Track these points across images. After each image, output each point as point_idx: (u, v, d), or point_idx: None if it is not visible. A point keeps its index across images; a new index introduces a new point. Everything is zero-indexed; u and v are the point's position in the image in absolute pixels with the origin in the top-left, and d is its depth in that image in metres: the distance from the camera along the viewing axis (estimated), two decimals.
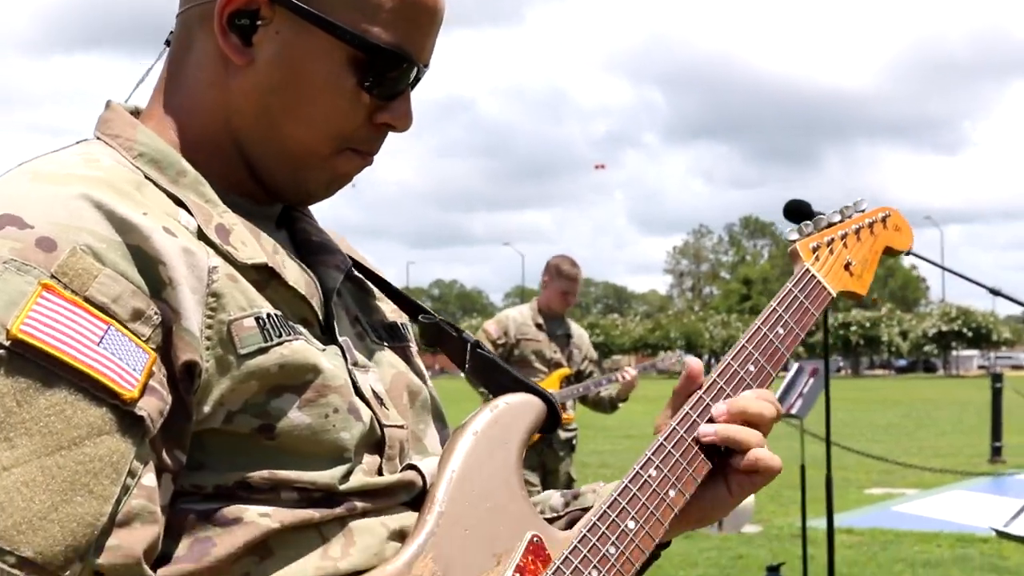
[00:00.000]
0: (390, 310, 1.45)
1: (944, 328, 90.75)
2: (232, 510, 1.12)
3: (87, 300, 1.03)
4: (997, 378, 17.78)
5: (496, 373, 1.42)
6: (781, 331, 1.47)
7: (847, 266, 1.59)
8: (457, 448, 1.26)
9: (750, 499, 10.19)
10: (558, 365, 7.01)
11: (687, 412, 1.38)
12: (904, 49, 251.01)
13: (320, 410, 1.17)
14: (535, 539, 1.26)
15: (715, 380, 1.41)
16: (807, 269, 1.54)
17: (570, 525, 1.43)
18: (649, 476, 1.33)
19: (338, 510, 1.18)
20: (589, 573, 1.26)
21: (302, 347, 1.17)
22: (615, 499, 1.31)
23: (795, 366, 8.00)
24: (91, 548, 0.98)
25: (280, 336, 1.15)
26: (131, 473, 1.02)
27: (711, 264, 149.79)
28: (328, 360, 1.20)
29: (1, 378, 0.98)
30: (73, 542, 0.97)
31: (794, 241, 1.57)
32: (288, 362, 1.15)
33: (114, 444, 1.01)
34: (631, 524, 1.30)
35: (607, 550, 1.27)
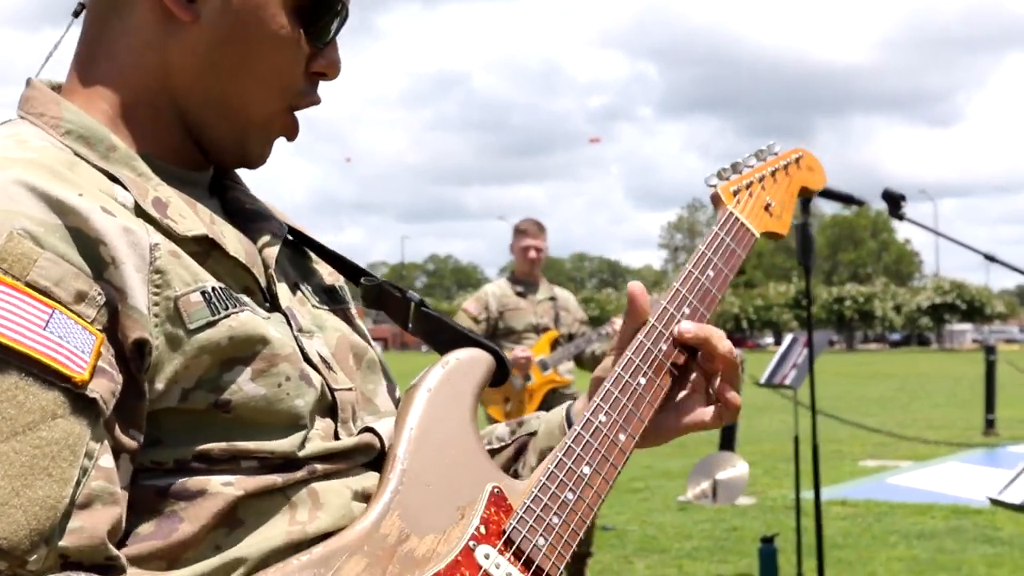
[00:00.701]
0: (327, 273, 1.44)
1: (938, 302, 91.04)
2: (195, 482, 1.11)
3: (29, 285, 1.01)
4: (991, 350, 17.78)
5: (441, 330, 1.43)
6: (711, 273, 1.51)
7: (767, 207, 1.62)
8: (413, 406, 1.28)
9: (744, 471, 10.21)
10: (546, 329, 6.92)
11: (630, 357, 1.40)
12: (899, 23, 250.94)
13: (273, 380, 1.16)
14: (496, 490, 1.27)
15: (653, 324, 1.43)
16: (731, 212, 1.57)
17: (518, 452, 1.51)
18: (600, 422, 1.36)
19: (300, 473, 1.18)
20: (550, 520, 1.28)
21: (249, 318, 1.17)
22: (569, 447, 1.33)
23: (789, 337, 8.00)
24: (55, 531, 0.97)
25: (227, 309, 1.15)
26: (88, 455, 1.01)
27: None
28: (275, 329, 1.20)
29: None
30: (37, 526, 0.96)
31: (714, 185, 1.60)
32: (237, 334, 1.14)
33: (68, 427, 1.00)
34: (586, 470, 1.32)
35: (565, 496, 1.30)
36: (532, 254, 6.96)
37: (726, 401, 1.43)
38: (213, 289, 1.15)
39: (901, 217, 4.00)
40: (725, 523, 9.20)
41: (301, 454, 1.17)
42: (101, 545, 1.00)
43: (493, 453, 1.50)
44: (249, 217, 1.32)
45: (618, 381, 1.39)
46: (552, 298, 7.03)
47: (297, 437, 1.18)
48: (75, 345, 1.01)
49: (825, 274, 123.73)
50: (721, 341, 1.42)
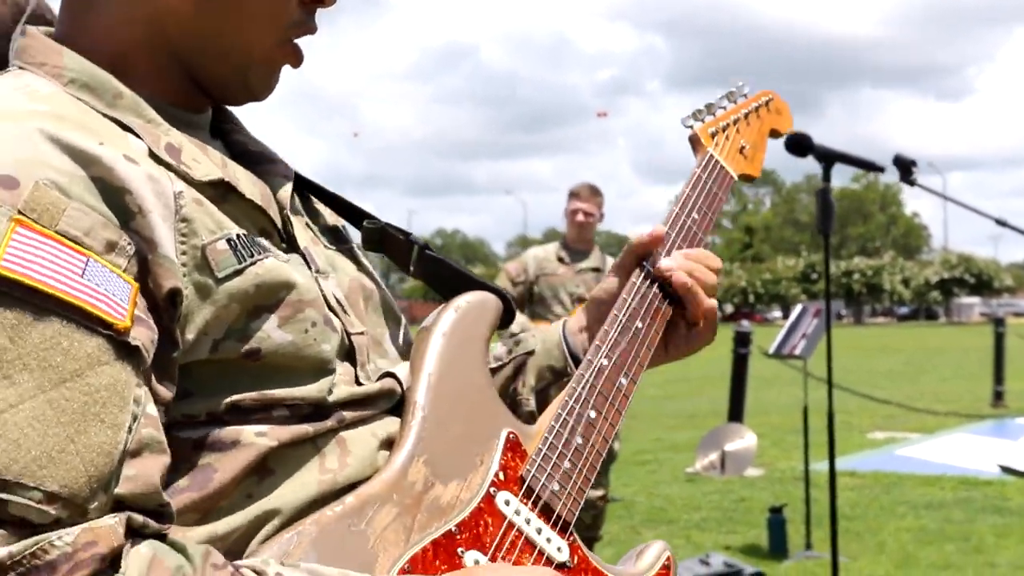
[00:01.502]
0: (328, 214, 1.43)
1: (946, 275, 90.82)
2: (228, 432, 1.11)
3: (60, 234, 0.98)
4: (1000, 322, 17.72)
5: (445, 273, 1.43)
6: (696, 216, 1.53)
7: (742, 150, 1.65)
8: (428, 350, 1.28)
9: (752, 443, 10.22)
10: (581, 300, 6.53)
11: (628, 301, 1.44)
12: None
13: (299, 326, 1.15)
14: (511, 436, 1.29)
15: (647, 268, 1.47)
16: (711, 155, 1.60)
17: (516, 371, 1.54)
18: (601, 365, 1.39)
19: (329, 422, 1.17)
20: (564, 465, 1.30)
21: (274, 264, 1.16)
22: (577, 391, 1.36)
23: (799, 307, 7.98)
24: (112, 478, 0.95)
25: (252, 256, 1.13)
26: (135, 402, 0.99)
27: None
28: (298, 272, 1.19)
29: None
30: (96, 472, 0.94)
31: (691, 127, 1.62)
32: (264, 281, 1.13)
33: (115, 374, 0.97)
34: (592, 414, 1.36)
35: (576, 441, 1.33)
36: (580, 218, 6.65)
37: (708, 322, 1.49)
38: (238, 236, 1.13)
39: (912, 183, 3.97)
40: (733, 494, 9.21)
41: (330, 399, 1.17)
42: (155, 492, 0.99)
43: (492, 372, 1.49)
44: (254, 159, 1.30)
45: (616, 323, 1.42)
46: (598, 268, 6.68)
47: (325, 383, 1.17)
48: (113, 293, 0.99)
49: (834, 248, 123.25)
50: (703, 272, 1.47)
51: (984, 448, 10.91)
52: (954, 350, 34.66)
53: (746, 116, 1.68)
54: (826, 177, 4.41)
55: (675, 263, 1.47)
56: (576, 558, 1.29)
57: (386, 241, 1.46)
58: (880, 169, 4.28)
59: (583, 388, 1.36)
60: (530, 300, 6.64)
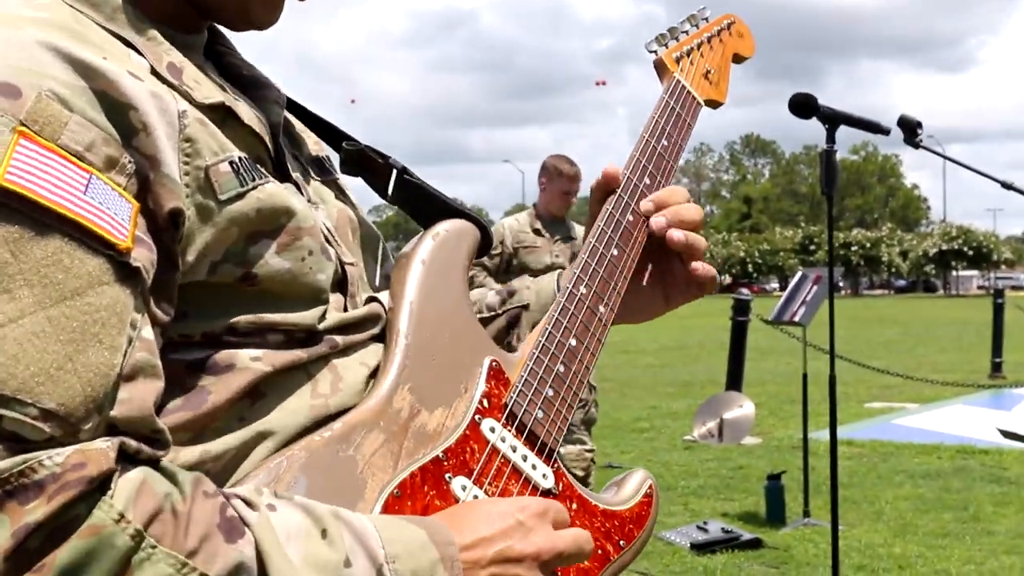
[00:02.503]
0: (312, 142, 1.40)
1: (944, 248, 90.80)
2: (224, 356, 1.10)
3: (62, 148, 0.94)
4: (999, 294, 17.68)
5: (423, 200, 1.41)
6: (666, 143, 1.51)
7: (706, 75, 1.63)
8: (409, 278, 1.27)
9: (750, 411, 10.21)
10: (561, 268, 6.79)
11: (602, 228, 1.42)
12: None
13: (297, 254, 1.14)
14: (494, 364, 1.29)
15: (620, 195, 1.45)
16: (678, 79, 1.57)
17: (511, 324, 1.54)
18: (581, 294, 1.37)
19: (322, 348, 1.17)
20: (545, 392, 1.30)
21: (275, 189, 1.14)
22: (556, 319, 1.35)
23: (799, 273, 7.94)
24: (107, 400, 0.93)
25: (253, 180, 1.11)
26: (132, 325, 0.96)
27: (712, 183, 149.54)
28: (296, 200, 1.17)
29: None
30: (92, 392, 0.91)
31: (655, 51, 1.59)
32: (265, 206, 1.11)
33: (115, 294, 0.95)
34: (573, 342, 1.35)
35: (557, 369, 1.32)
36: (572, 199, 6.84)
37: (701, 275, 1.45)
38: (240, 159, 1.11)
39: (917, 145, 3.92)
40: (731, 462, 9.20)
41: (321, 326, 1.16)
42: (149, 417, 0.97)
43: (483, 323, 1.49)
44: (248, 83, 1.27)
45: (593, 252, 1.40)
46: (571, 237, 6.83)
47: (318, 310, 1.17)
48: (115, 212, 0.96)
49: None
50: (687, 210, 1.45)
51: (982, 418, 10.89)
52: (952, 322, 34.70)
53: (709, 40, 1.65)
54: (831, 139, 4.35)
55: (653, 207, 1.45)
56: (561, 484, 1.29)
57: (365, 164, 1.44)
58: (886, 131, 4.23)
59: (563, 316, 1.35)
60: (507, 271, 6.68)
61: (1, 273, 0.89)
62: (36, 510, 0.85)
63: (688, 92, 1.57)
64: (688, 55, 1.61)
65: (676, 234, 1.42)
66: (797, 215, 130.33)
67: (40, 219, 0.91)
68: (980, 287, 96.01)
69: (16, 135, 0.92)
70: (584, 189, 7.28)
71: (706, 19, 1.67)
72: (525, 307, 1.54)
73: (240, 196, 1.09)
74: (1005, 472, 8.48)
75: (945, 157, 3.97)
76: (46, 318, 0.90)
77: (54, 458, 0.87)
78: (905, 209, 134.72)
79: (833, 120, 4.32)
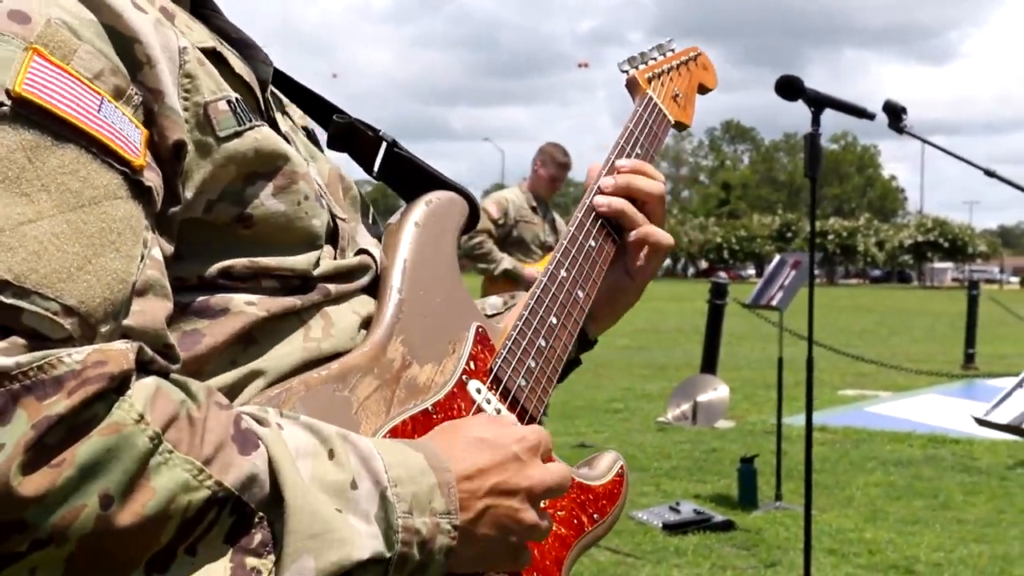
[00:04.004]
0: (298, 117, 1.40)
1: (920, 239, 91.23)
2: (219, 299, 1.10)
3: (74, 71, 0.95)
4: (974, 285, 17.79)
5: (413, 174, 1.41)
6: (640, 152, 1.57)
7: (675, 97, 1.71)
8: (403, 237, 1.30)
9: (725, 394, 10.24)
10: (549, 248, 7.07)
11: (581, 219, 1.47)
12: None
13: (293, 197, 1.15)
14: (480, 330, 1.32)
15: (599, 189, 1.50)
16: (650, 96, 1.65)
17: None
18: (561, 277, 1.42)
19: (315, 296, 1.18)
20: (528, 363, 1.34)
21: (271, 132, 1.15)
22: (539, 296, 1.39)
23: (777, 258, 7.95)
24: (123, 307, 0.93)
25: (250, 121, 1.12)
26: (144, 243, 0.97)
27: (690, 168, 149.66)
28: (290, 148, 1.17)
29: (9, 134, 0.90)
30: (110, 296, 0.91)
31: (627, 71, 1.67)
32: (262, 147, 1.12)
33: (128, 209, 0.95)
34: (553, 320, 1.39)
35: (539, 343, 1.37)
36: (558, 187, 7.26)
37: (656, 244, 1.49)
38: (237, 99, 1.12)
39: (901, 130, 3.92)
40: (704, 445, 9.22)
41: (315, 272, 1.17)
42: (162, 330, 0.97)
43: None
44: (236, 44, 1.27)
45: (573, 240, 1.45)
46: (554, 220, 7.25)
47: (313, 255, 1.17)
48: (127, 133, 0.97)
49: (808, 207, 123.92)
50: (638, 216, 1.48)
51: (954, 408, 10.96)
52: (927, 313, 34.88)
53: (677, 67, 1.74)
54: (815, 122, 4.35)
55: (608, 188, 1.49)
56: None
57: (354, 138, 1.43)
58: (871, 116, 4.23)
59: (544, 295, 1.39)
60: (505, 241, 6.90)
61: (19, 177, 0.89)
62: (57, 404, 0.84)
63: (660, 109, 1.65)
64: (659, 77, 1.69)
65: (599, 199, 1.47)
66: (775, 202, 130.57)
67: (56, 130, 0.92)
68: (954, 279, 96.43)
69: (30, 52, 0.93)
70: (576, 173, 7.66)
71: (672, 49, 1.76)
72: None
73: (238, 135, 1.09)
74: (975, 461, 8.53)
75: (929, 143, 3.98)
76: (65, 221, 0.90)
77: (73, 355, 0.86)
78: (882, 199, 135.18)
79: (818, 103, 4.32)
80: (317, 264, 1.18)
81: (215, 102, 1.08)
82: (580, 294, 1.43)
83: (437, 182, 1.41)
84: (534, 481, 1.14)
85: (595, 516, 1.38)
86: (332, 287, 1.20)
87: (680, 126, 1.70)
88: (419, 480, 1.04)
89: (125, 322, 0.93)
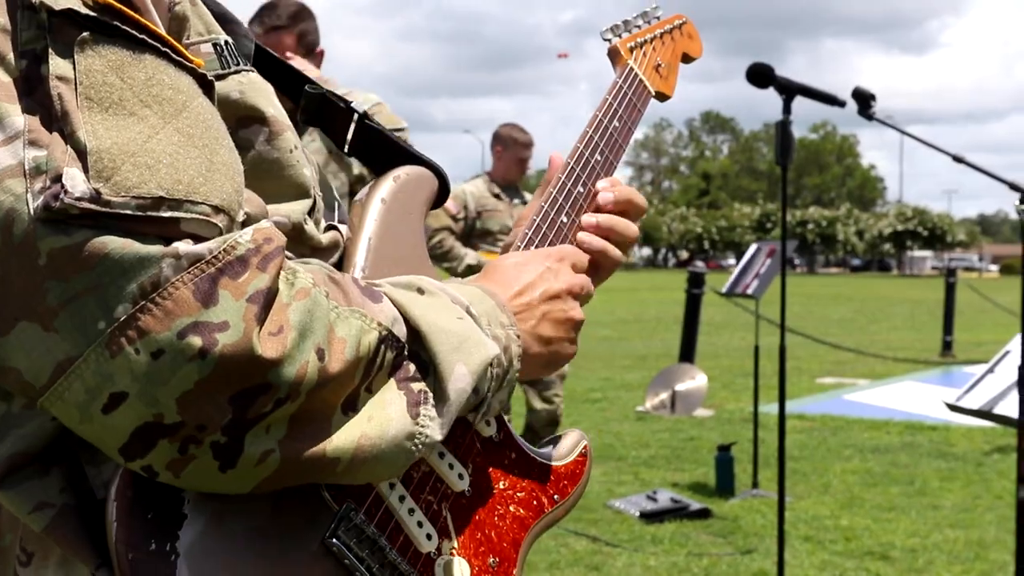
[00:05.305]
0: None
1: (900, 228, 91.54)
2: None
3: None
4: (951, 273, 17.85)
5: (383, 148, 1.42)
6: (617, 124, 1.56)
7: (657, 68, 1.69)
8: (368, 214, 1.30)
9: (703, 383, 10.27)
10: None
11: (554, 195, 1.44)
12: None
13: (284, 145, 1.18)
14: None
15: (572, 166, 1.47)
16: (631, 67, 1.63)
17: None
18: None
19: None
20: None
21: (259, 78, 1.18)
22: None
23: (753, 247, 7.96)
24: (242, 196, 0.99)
25: (237, 64, 1.15)
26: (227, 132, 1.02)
27: (671, 158, 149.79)
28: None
29: (95, 58, 0.92)
30: (236, 186, 0.98)
31: (609, 40, 1.65)
32: (247, 91, 1.15)
33: (208, 105, 0.99)
34: None
35: None
36: (527, 166, 7.18)
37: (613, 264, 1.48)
38: (226, 43, 1.14)
39: (871, 117, 3.92)
40: (683, 433, 9.24)
41: (307, 229, 1.20)
42: (266, 214, 1.06)
43: None
44: (218, 19, 1.25)
45: (545, 216, 1.43)
46: (525, 202, 7.04)
47: (305, 203, 1.20)
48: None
49: (788, 197, 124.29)
50: (623, 226, 1.46)
51: (931, 395, 11.00)
52: (905, 301, 35.02)
53: (661, 36, 1.72)
54: (787, 110, 4.35)
55: (595, 226, 1.45)
56: (502, 434, 1.32)
57: (325, 111, 1.42)
58: (841, 104, 4.24)
59: None
60: (470, 235, 6.83)
61: (121, 99, 0.92)
62: (260, 279, 0.91)
63: (640, 80, 1.63)
64: (641, 47, 1.67)
65: (582, 236, 1.44)
66: (755, 192, 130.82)
67: (132, 39, 0.94)
68: (934, 268, 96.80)
69: None
70: (541, 161, 7.50)
71: (658, 17, 1.74)
72: None
73: (220, 78, 1.11)
74: (952, 448, 8.58)
75: (900, 131, 3.98)
76: (175, 130, 0.93)
77: (244, 236, 0.93)
78: (862, 189, 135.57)
79: (789, 90, 4.32)
80: (311, 212, 1.21)
81: (198, 44, 1.10)
82: None
83: (408, 156, 1.40)
84: (571, 283, 1.29)
85: (555, 497, 1.36)
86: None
87: (661, 96, 1.69)
88: (484, 302, 1.17)
89: (246, 210, 1.00)
